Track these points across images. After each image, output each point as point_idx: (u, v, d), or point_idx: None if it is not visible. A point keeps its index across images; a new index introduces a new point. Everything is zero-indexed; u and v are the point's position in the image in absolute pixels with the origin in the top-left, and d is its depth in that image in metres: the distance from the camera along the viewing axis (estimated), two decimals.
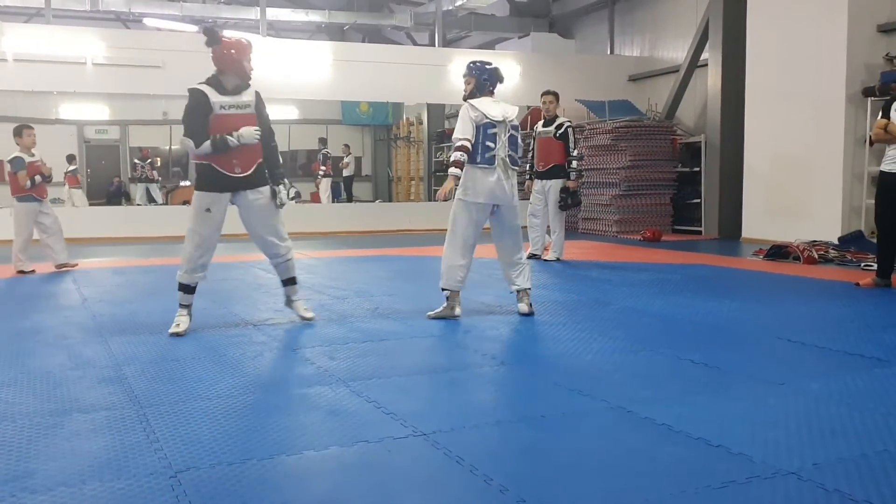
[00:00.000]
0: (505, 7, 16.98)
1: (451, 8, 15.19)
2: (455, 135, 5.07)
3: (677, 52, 13.93)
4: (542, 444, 2.81)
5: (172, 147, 18.32)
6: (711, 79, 12.01)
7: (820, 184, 10.02)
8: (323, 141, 17.50)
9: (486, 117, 4.99)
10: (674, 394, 3.38)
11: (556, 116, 8.36)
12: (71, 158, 15.80)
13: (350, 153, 17.79)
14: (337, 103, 18.06)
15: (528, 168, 8.77)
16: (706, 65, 12.34)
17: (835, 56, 9.74)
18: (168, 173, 17.64)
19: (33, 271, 7.87)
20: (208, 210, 4.64)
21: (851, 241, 8.83)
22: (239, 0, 17.92)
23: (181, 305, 4.83)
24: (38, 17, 15.98)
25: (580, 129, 12.76)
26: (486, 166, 5.00)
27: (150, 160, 16.55)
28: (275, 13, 16.21)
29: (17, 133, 7.84)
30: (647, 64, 14.89)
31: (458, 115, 5.13)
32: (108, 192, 17.48)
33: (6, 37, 11.72)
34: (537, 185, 8.42)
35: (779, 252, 8.59)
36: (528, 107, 13.92)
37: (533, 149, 8.58)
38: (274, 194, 4.86)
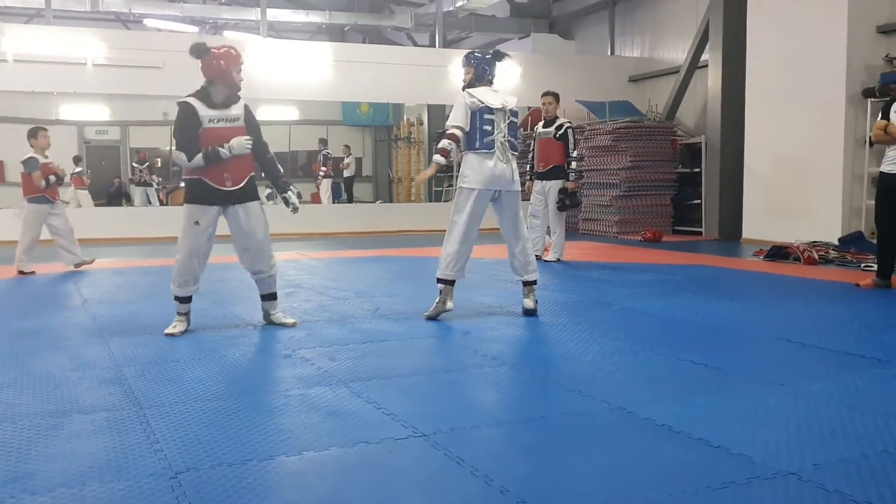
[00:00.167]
0: (505, 8, 16.99)
1: (451, 9, 15.20)
2: (448, 121, 5.05)
3: (678, 53, 13.93)
4: (543, 444, 2.81)
5: (172, 148, 18.31)
6: (712, 80, 12.01)
7: (820, 184, 10.03)
8: (323, 142, 17.50)
9: (483, 103, 4.98)
10: (674, 394, 3.38)
11: (557, 117, 8.36)
12: (77, 160, 15.83)
13: (350, 154, 17.79)
14: (337, 104, 18.05)
15: (528, 169, 8.77)
16: (706, 66, 12.34)
17: (835, 57, 9.75)
18: (168, 173, 17.63)
19: (33, 272, 7.87)
20: (197, 223, 4.64)
21: (851, 241, 8.83)
22: (239, 1, 17.93)
23: (179, 314, 4.84)
24: (38, 18, 15.99)
25: (580, 130, 12.77)
26: (486, 151, 4.98)
27: (147, 163, 16.56)
28: (275, 14, 16.21)
29: (33, 135, 7.94)
30: (647, 65, 14.90)
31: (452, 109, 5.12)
32: (109, 193, 17.48)
33: (6, 37, 11.72)
34: (537, 185, 8.43)
35: (779, 253, 8.59)
36: (529, 108, 13.92)
37: (533, 149, 8.58)
38: (286, 202, 4.89)
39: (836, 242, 8.91)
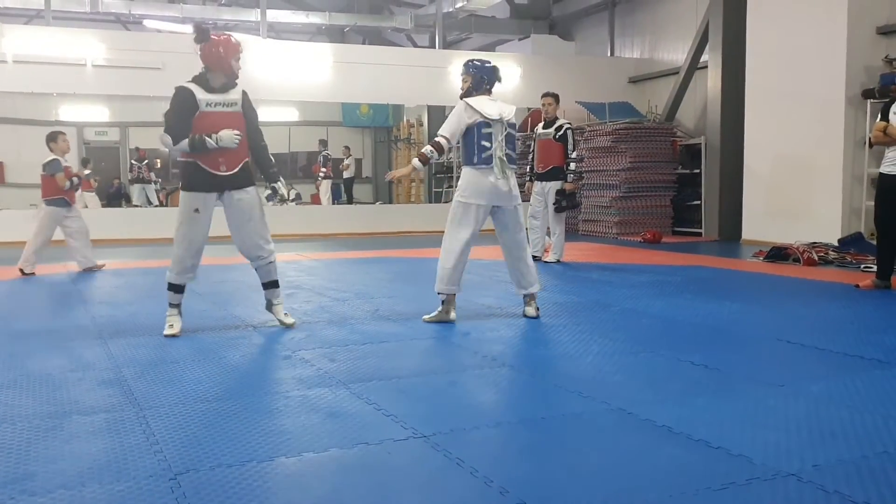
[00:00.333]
0: (505, 9, 17.00)
1: (451, 10, 15.20)
2: (441, 129, 5.00)
3: (677, 54, 13.94)
4: (543, 445, 2.81)
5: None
6: (711, 81, 12.02)
7: (820, 185, 10.03)
8: (323, 143, 17.51)
9: (482, 116, 4.93)
10: (674, 395, 3.37)
11: (556, 118, 8.36)
12: (86, 162, 15.86)
13: (350, 155, 17.79)
14: (337, 105, 18.06)
15: (528, 170, 8.77)
16: (706, 67, 12.35)
17: (834, 58, 9.75)
18: (168, 174, 17.64)
19: (33, 273, 7.88)
20: (196, 211, 4.64)
21: (851, 242, 8.83)
22: (239, 2, 17.94)
23: (171, 305, 4.84)
24: (37, 19, 16.01)
25: (580, 131, 12.78)
26: (484, 167, 4.94)
27: (146, 161, 16.56)
28: (275, 15, 16.22)
29: (52, 139, 8.01)
30: (647, 66, 14.91)
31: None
32: (109, 194, 17.49)
33: (6, 38, 11.72)
34: (537, 186, 8.43)
35: (779, 254, 8.59)
36: (529, 108, 13.93)
37: (533, 150, 8.59)
38: (274, 192, 4.90)
39: (836, 243, 8.91)
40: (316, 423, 3.05)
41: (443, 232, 5.16)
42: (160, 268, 8.09)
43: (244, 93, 4.78)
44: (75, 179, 7.96)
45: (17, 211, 13.30)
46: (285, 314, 5.03)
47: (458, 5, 14.88)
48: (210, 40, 4.64)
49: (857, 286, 6.44)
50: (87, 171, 15.43)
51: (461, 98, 5.06)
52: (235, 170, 4.68)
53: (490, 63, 5.15)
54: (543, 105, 8.42)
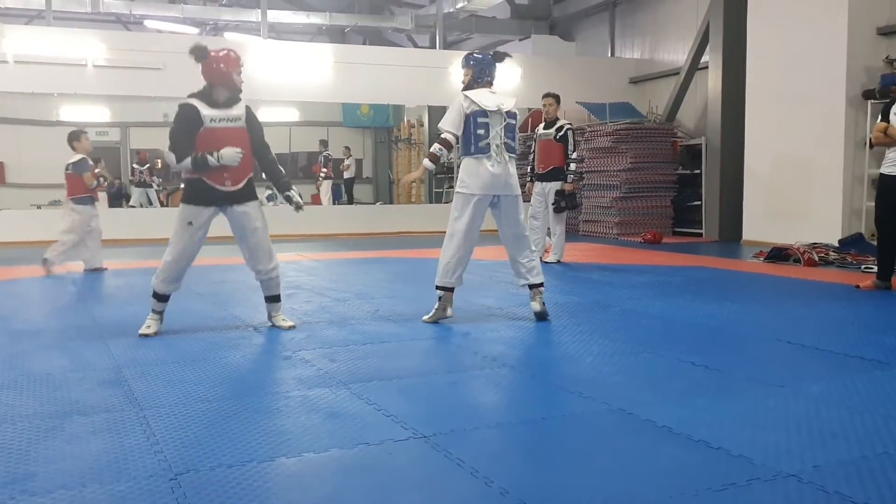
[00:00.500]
0: (506, 9, 17.00)
1: (451, 10, 15.21)
2: (441, 124, 5.00)
3: (678, 55, 13.95)
4: (543, 446, 2.81)
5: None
6: (712, 81, 12.02)
7: (820, 186, 10.03)
8: (324, 143, 17.50)
9: (478, 106, 4.92)
10: (674, 396, 3.37)
11: (557, 119, 8.37)
12: (96, 161, 15.87)
13: (351, 155, 17.80)
14: (338, 105, 18.06)
15: (528, 170, 8.78)
16: (707, 67, 12.36)
17: (835, 59, 9.76)
18: (169, 175, 17.64)
19: (57, 272, 7.96)
20: (190, 223, 4.66)
21: (852, 243, 8.83)
22: (240, 2, 17.94)
23: (154, 311, 4.84)
24: (38, 19, 16.02)
25: (581, 132, 12.78)
26: (480, 155, 4.93)
27: (147, 164, 16.57)
28: (276, 15, 16.23)
29: (76, 138, 8.10)
30: (647, 66, 14.91)
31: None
32: (109, 195, 17.48)
33: (7, 38, 11.73)
34: (537, 187, 8.43)
35: (779, 254, 8.59)
36: (529, 109, 13.93)
37: (534, 151, 8.59)
38: (289, 200, 4.93)
39: (837, 244, 8.91)
40: (316, 423, 3.05)
41: (443, 232, 5.15)
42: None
43: (248, 108, 4.79)
44: (101, 179, 8.11)
45: (17, 211, 13.33)
46: (284, 319, 5.03)
47: (459, 6, 14.89)
48: (209, 57, 4.65)
49: (858, 287, 6.44)
50: (97, 170, 15.46)
51: (462, 91, 5.07)
52: (240, 185, 4.70)
53: (489, 55, 5.15)
54: (544, 105, 8.42)
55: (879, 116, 6.32)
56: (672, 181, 12.85)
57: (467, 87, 5.06)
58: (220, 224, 4.81)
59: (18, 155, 16.05)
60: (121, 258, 9.56)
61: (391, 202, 19.12)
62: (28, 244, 11.40)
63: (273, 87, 12.82)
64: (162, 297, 4.82)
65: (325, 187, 16.90)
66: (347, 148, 17.88)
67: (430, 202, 17.60)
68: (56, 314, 5.68)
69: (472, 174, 4.97)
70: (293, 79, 13.16)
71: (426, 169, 5.07)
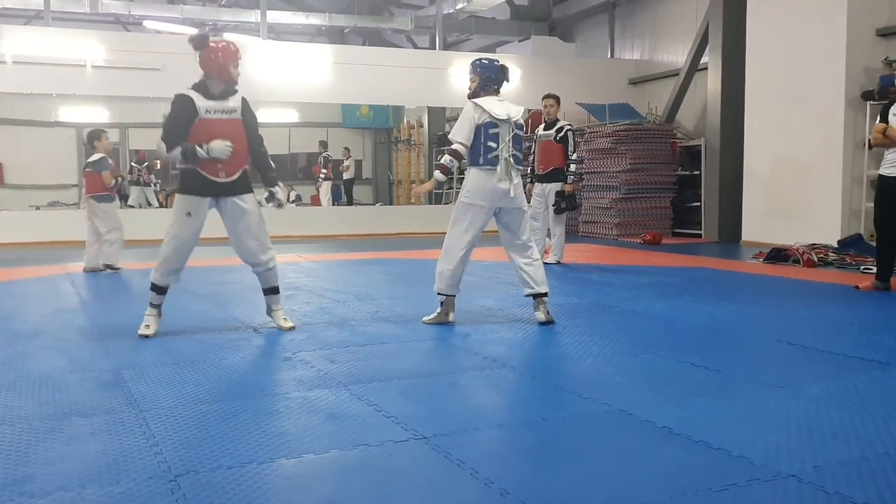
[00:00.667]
0: (506, 10, 17.01)
1: (451, 11, 15.21)
2: (452, 135, 4.95)
3: (677, 56, 13.95)
4: (543, 447, 2.81)
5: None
6: (711, 82, 12.03)
7: (819, 187, 10.04)
8: (323, 144, 17.49)
9: (490, 116, 4.87)
10: (674, 397, 3.37)
11: (557, 120, 8.37)
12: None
13: (350, 156, 17.79)
14: (337, 106, 18.06)
15: (529, 171, 8.77)
16: (706, 68, 12.36)
17: (834, 60, 9.76)
18: (168, 175, 17.63)
19: (120, 269, 8.13)
20: (189, 214, 4.65)
21: (851, 244, 8.83)
22: (239, 3, 17.94)
23: (151, 305, 4.83)
24: (37, 20, 16.01)
25: (580, 133, 12.78)
26: (489, 168, 4.90)
27: (146, 163, 16.56)
28: (275, 16, 16.22)
29: (96, 137, 8.26)
30: (647, 67, 14.92)
31: (458, 118, 5.05)
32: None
33: (5, 39, 11.73)
34: (538, 188, 8.42)
35: (779, 255, 8.59)
36: (529, 110, 13.90)
37: (534, 152, 8.59)
38: (272, 196, 4.89)
39: (836, 245, 8.92)
40: (316, 424, 3.05)
41: (443, 233, 5.15)
42: None
43: (244, 99, 4.78)
44: (119, 178, 8.28)
45: (16, 212, 13.31)
46: (284, 318, 5.01)
47: (459, 6, 14.89)
48: (208, 47, 4.64)
49: (857, 287, 6.44)
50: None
51: (469, 98, 5.01)
52: (234, 177, 4.69)
53: (498, 62, 5.08)
54: (545, 106, 8.42)
55: (878, 117, 6.32)
56: (671, 182, 12.86)
57: (474, 94, 5.01)
58: (220, 224, 4.81)
59: (17, 156, 16.05)
60: (121, 259, 9.54)
61: (391, 203, 19.13)
62: (27, 245, 11.41)
63: (272, 88, 12.82)
64: (161, 290, 4.81)
65: (325, 188, 16.90)
66: (347, 149, 17.88)
67: (430, 203, 17.59)
68: (55, 315, 5.67)
69: (477, 185, 4.93)
70: (292, 80, 13.16)
71: (437, 181, 5.03)
